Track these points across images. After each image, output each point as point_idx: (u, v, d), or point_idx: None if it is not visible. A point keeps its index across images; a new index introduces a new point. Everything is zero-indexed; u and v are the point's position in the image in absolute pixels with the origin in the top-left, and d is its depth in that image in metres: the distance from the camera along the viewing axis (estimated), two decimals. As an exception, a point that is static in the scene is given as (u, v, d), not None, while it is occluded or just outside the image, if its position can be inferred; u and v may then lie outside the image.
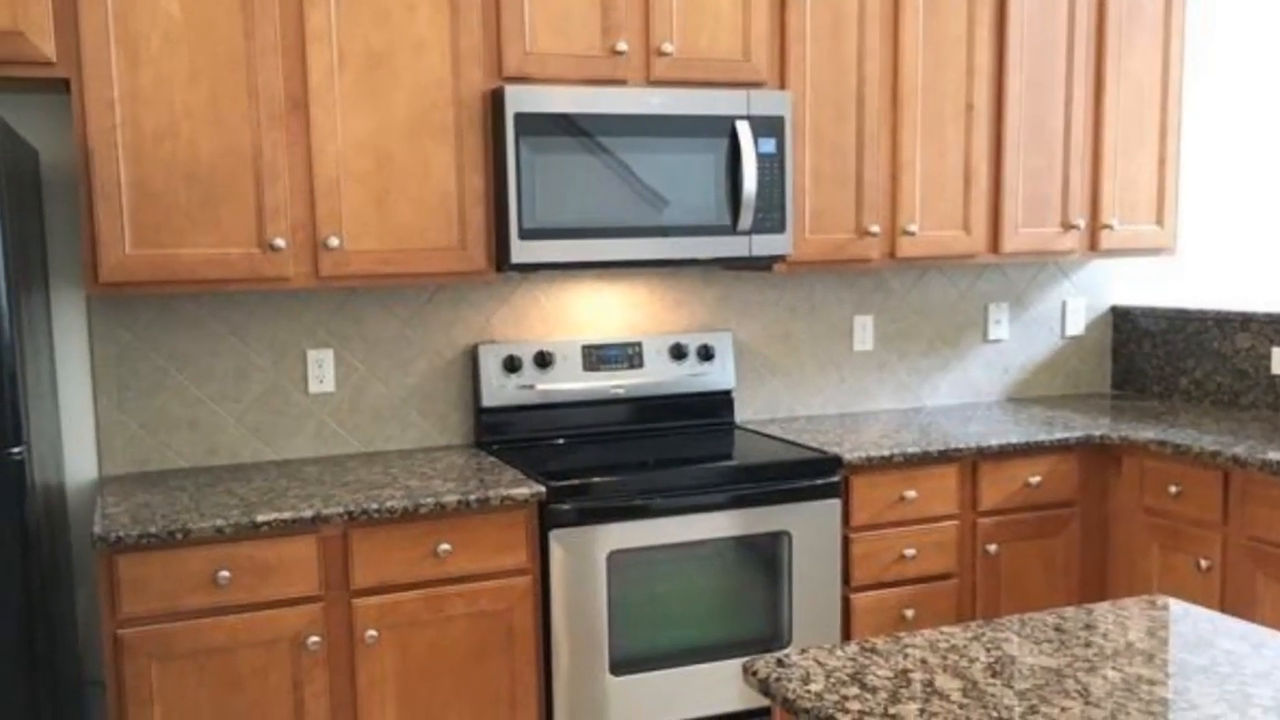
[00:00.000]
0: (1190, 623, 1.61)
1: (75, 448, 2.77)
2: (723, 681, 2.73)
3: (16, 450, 2.06)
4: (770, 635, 2.78)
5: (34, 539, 2.11)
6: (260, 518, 2.33)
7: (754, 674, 1.48)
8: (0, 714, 2.07)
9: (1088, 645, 1.54)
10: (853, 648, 1.55)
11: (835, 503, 2.81)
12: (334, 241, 2.60)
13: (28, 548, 2.08)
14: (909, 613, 2.93)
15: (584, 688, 2.61)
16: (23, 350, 2.13)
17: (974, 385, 3.70)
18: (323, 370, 2.94)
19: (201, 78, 2.48)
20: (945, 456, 2.93)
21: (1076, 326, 3.82)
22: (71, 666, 2.57)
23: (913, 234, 3.17)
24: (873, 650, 1.54)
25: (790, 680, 1.44)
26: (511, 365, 3.02)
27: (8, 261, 2.04)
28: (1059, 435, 3.06)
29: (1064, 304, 3.79)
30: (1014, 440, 3.01)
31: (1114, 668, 1.45)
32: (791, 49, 2.99)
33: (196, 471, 2.80)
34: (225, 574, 2.31)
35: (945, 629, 1.61)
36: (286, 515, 2.35)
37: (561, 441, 3.07)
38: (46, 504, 2.35)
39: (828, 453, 2.85)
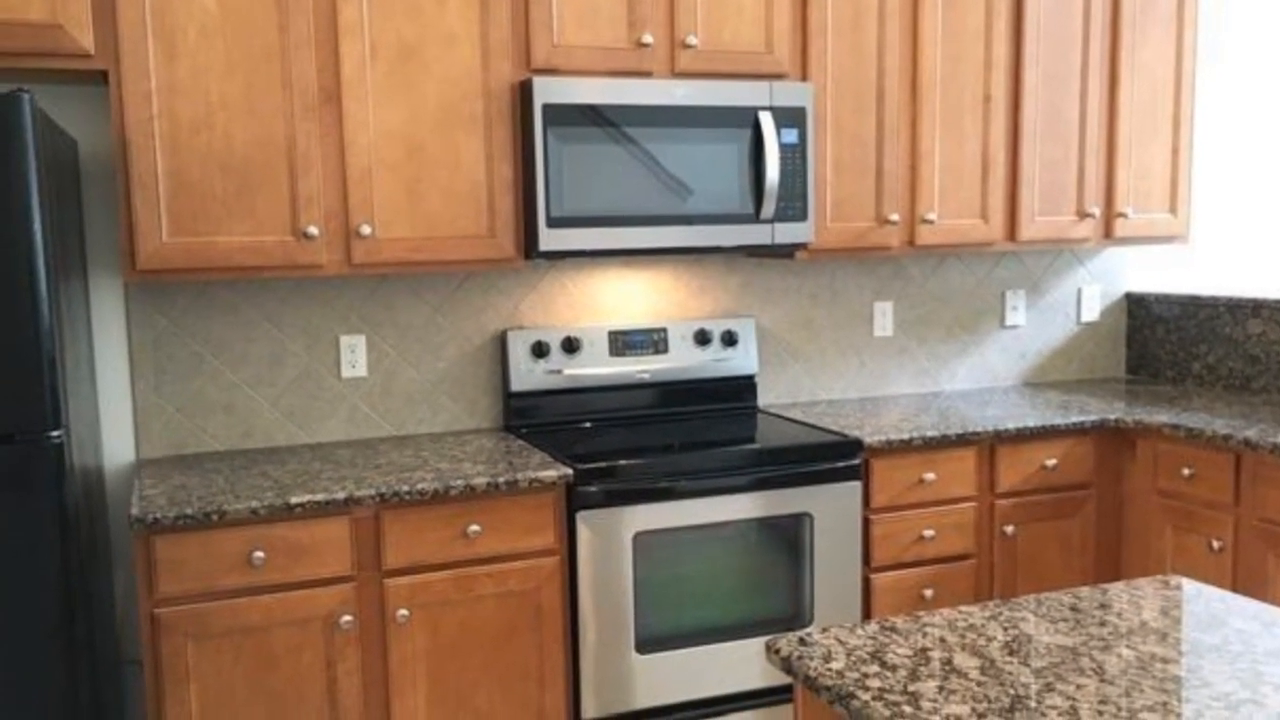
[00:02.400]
0: (1203, 602, 1.67)
1: (113, 431, 2.85)
2: (746, 659, 2.80)
3: (56, 434, 2.13)
4: (792, 614, 2.85)
5: (73, 520, 2.18)
6: (294, 499, 2.40)
7: (776, 652, 1.54)
8: (41, 692, 2.15)
9: (1103, 624, 1.59)
10: (873, 627, 1.61)
11: (856, 485, 2.87)
12: (366, 230, 2.66)
13: (67, 529, 2.15)
14: (928, 592, 3.00)
15: (610, 665, 2.68)
16: (62, 336, 2.20)
17: (991, 370, 3.75)
18: (355, 355, 3.01)
19: (237, 70, 2.54)
20: (963, 440, 2.98)
21: (1092, 313, 3.86)
22: (110, 645, 2.65)
23: (932, 222, 3.21)
24: (892, 629, 1.60)
25: (812, 658, 1.50)
26: (539, 350, 3.08)
27: (47, 249, 2.11)
28: (1075, 419, 3.11)
29: (1079, 291, 3.83)
30: (1031, 424, 3.06)
31: (1128, 646, 1.51)
32: (813, 42, 3.03)
33: (232, 454, 2.87)
34: (260, 554, 2.39)
35: (963, 608, 1.67)
36: (320, 497, 2.42)
37: (588, 425, 3.13)
38: (85, 486, 2.42)
39: (848, 436, 2.91)
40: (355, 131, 2.64)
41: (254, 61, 2.55)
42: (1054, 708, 1.32)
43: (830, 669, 1.46)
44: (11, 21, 2.37)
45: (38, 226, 2.10)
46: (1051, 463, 3.10)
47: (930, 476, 2.97)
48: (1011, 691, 1.37)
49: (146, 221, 2.51)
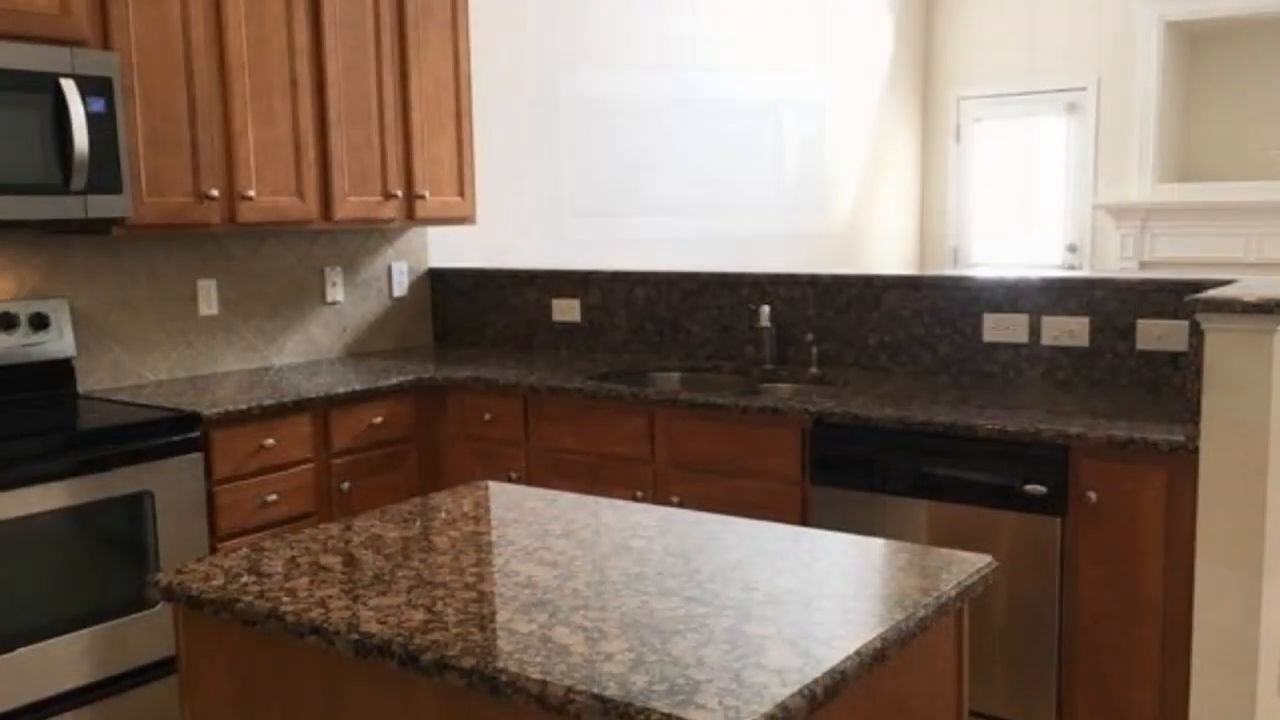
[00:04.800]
0: (506, 495, 2.10)
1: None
2: (72, 657, 2.67)
3: None
4: (136, 596, 2.79)
5: None
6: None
7: (157, 584, 1.61)
8: None
9: (433, 519, 1.94)
10: (245, 550, 1.76)
11: (197, 457, 2.91)
12: None
13: None
14: (274, 552, 3.15)
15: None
16: None
17: (316, 344, 4.00)
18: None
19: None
20: (300, 406, 3.18)
21: (401, 288, 4.30)
22: None
23: (251, 199, 3.35)
24: (262, 549, 1.76)
25: (193, 581, 1.61)
26: None
27: None
28: (395, 380, 3.49)
29: (390, 268, 4.25)
30: (358, 387, 3.37)
31: (455, 530, 1.87)
32: (113, 10, 2.97)
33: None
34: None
35: (324, 525, 1.90)
36: None
37: None
38: None
39: (184, 410, 2.93)
40: None
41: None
42: (405, 577, 1.61)
43: (212, 585, 1.58)
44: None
45: None
46: (378, 420, 3.44)
47: (270, 443, 3.12)
48: (370, 573, 1.64)
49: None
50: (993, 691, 2.67)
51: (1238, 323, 2.33)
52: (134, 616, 2.77)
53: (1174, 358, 2.97)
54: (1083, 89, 7.07)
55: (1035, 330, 3.17)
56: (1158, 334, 2.99)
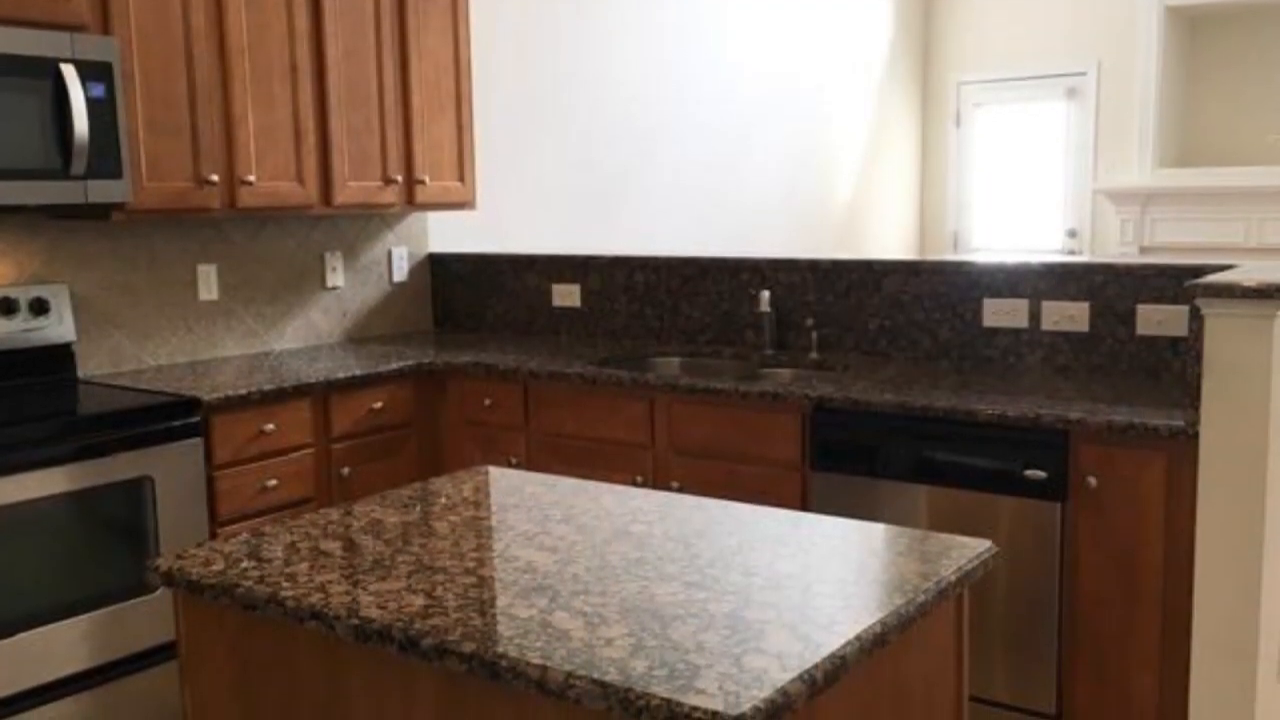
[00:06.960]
0: (505, 480, 2.10)
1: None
2: (71, 643, 2.68)
3: None
4: (136, 581, 2.80)
5: None
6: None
7: (157, 569, 1.62)
8: None
9: (434, 504, 1.94)
10: (245, 535, 1.76)
11: (197, 442, 2.91)
12: None
13: None
14: (275, 537, 3.15)
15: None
16: None
17: (316, 329, 3.99)
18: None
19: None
20: (299, 391, 3.18)
21: (401, 273, 4.30)
22: None
23: (251, 184, 3.34)
24: (263, 534, 1.76)
25: (193, 566, 1.61)
26: None
27: None
28: (395, 365, 3.49)
29: (390, 253, 4.25)
30: (358, 372, 3.37)
31: (455, 514, 1.87)
32: (113, -6, 2.96)
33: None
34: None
35: (324, 510, 1.90)
36: None
37: None
38: None
39: (184, 395, 2.93)
40: None
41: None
42: (405, 562, 1.62)
43: (212, 570, 1.58)
44: None
45: None
46: (378, 405, 3.44)
47: (270, 428, 3.12)
48: (371, 559, 1.64)
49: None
50: (993, 676, 2.68)
51: (1238, 308, 2.33)
52: (134, 602, 2.77)
53: (1174, 343, 2.97)
54: (1083, 74, 7.04)
55: (1035, 315, 3.17)
56: (1158, 319, 2.99)
